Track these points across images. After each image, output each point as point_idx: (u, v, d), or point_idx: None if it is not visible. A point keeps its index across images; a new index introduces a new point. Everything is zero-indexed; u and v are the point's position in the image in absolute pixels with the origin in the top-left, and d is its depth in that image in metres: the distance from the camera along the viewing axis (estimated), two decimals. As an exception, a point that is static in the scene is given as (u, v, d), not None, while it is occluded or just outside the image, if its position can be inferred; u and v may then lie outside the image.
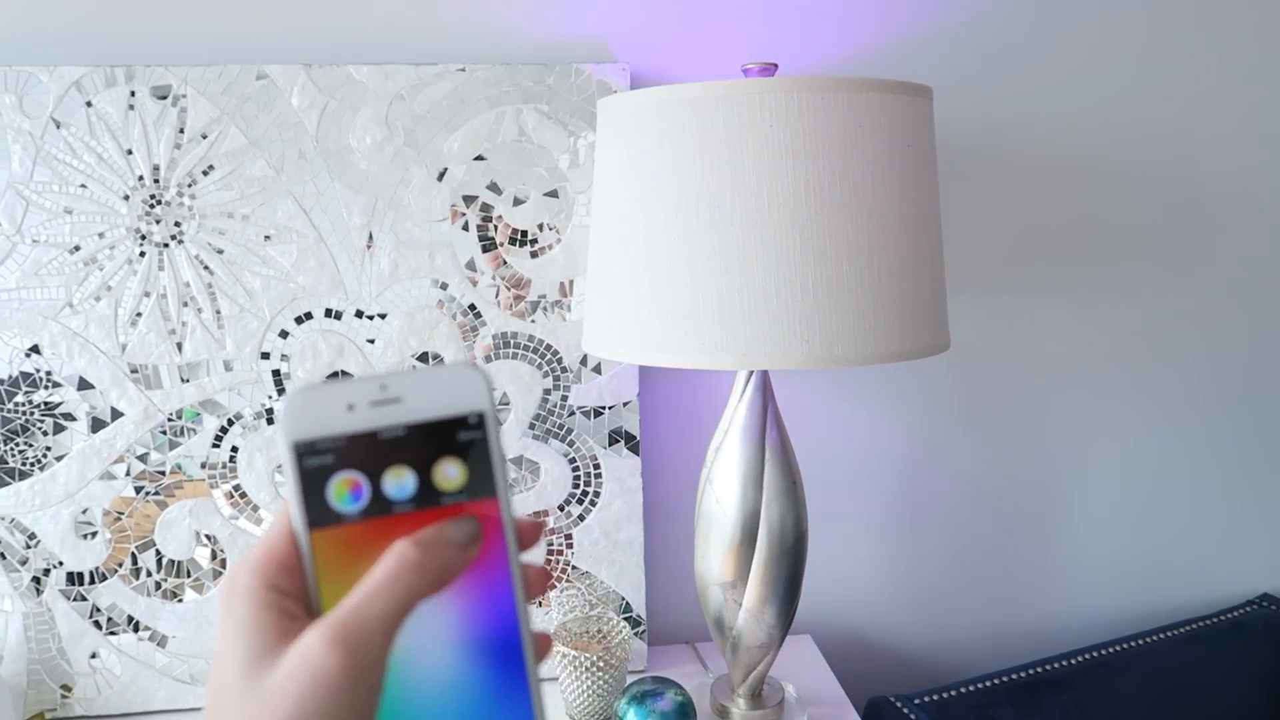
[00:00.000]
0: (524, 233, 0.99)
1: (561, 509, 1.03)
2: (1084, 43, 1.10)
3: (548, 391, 1.01)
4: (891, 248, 0.75)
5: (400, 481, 0.35)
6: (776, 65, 0.85)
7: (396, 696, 0.33)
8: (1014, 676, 1.07)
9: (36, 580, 0.96)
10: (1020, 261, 1.15)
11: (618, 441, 1.03)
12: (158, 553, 0.97)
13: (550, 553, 1.04)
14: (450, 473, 0.35)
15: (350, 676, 0.31)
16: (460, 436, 0.35)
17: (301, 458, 0.34)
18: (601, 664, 0.93)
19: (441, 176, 0.97)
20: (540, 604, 1.04)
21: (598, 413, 1.03)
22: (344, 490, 0.34)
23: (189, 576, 0.98)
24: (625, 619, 1.05)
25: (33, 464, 0.95)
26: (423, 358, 0.99)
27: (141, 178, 0.93)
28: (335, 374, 0.98)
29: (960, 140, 1.10)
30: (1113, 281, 1.18)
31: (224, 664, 0.32)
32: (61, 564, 0.96)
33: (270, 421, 0.98)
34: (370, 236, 0.97)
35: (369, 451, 0.34)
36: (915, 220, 0.77)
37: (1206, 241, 1.19)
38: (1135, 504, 1.24)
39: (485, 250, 0.99)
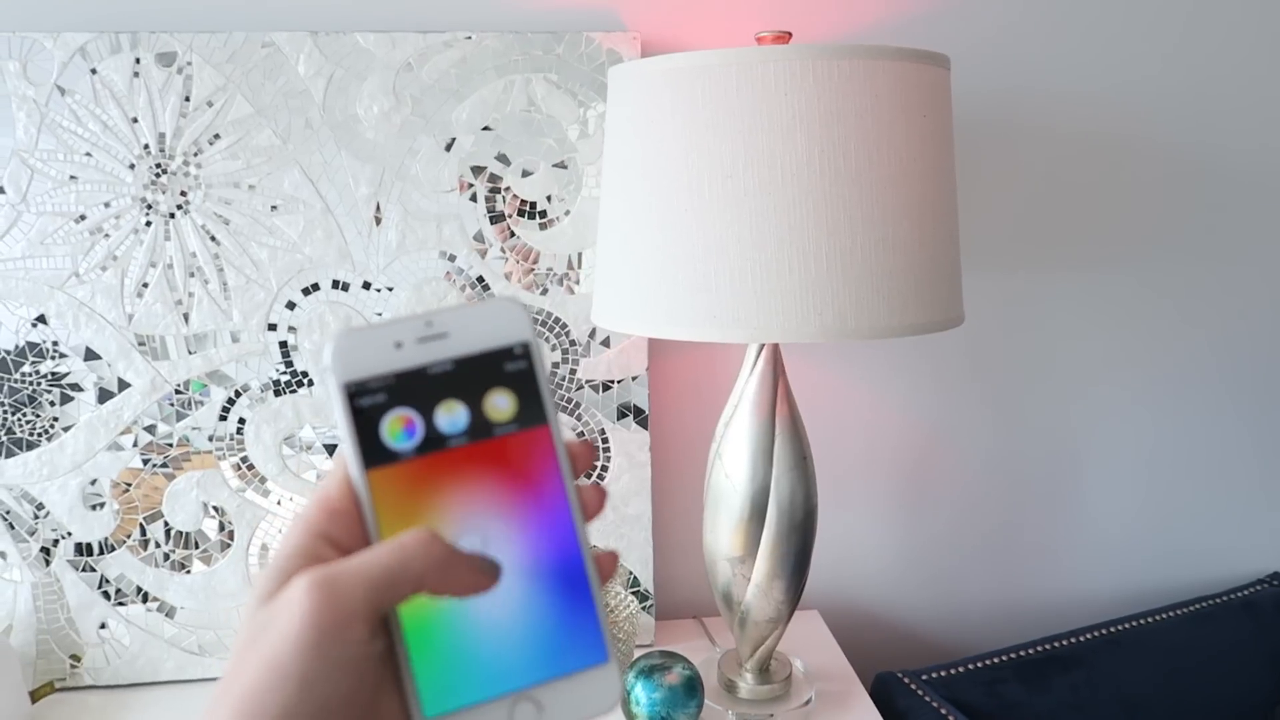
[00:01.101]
0: (532, 204, 0.98)
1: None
2: (1104, 13, 1.08)
3: (556, 365, 1.01)
4: (906, 220, 0.74)
5: (452, 415, 0.35)
6: (790, 33, 0.83)
7: (465, 628, 0.33)
8: (1023, 653, 1.06)
9: (45, 550, 0.96)
10: (1035, 236, 1.14)
11: (626, 415, 1.02)
12: (166, 524, 0.97)
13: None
14: (500, 403, 0.35)
15: (320, 624, 0.30)
16: (507, 367, 0.36)
17: (353, 398, 0.34)
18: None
19: (449, 147, 0.96)
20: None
21: (606, 386, 1.02)
22: (397, 428, 0.34)
23: (197, 548, 0.98)
24: (633, 593, 1.04)
25: (40, 434, 0.95)
26: (430, 330, 0.98)
27: (147, 146, 0.92)
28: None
29: (977, 111, 1.09)
30: (1129, 258, 1.16)
31: (251, 601, 0.33)
32: (70, 535, 0.96)
33: (277, 394, 0.97)
34: (378, 207, 0.96)
35: (419, 388, 0.34)
36: (930, 192, 0.76)
37: (1225, 219, 1.17)
38: (1146, 482, 1.23)
39: (493, 222, 0.98)
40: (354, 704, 0.31)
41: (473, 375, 0.35)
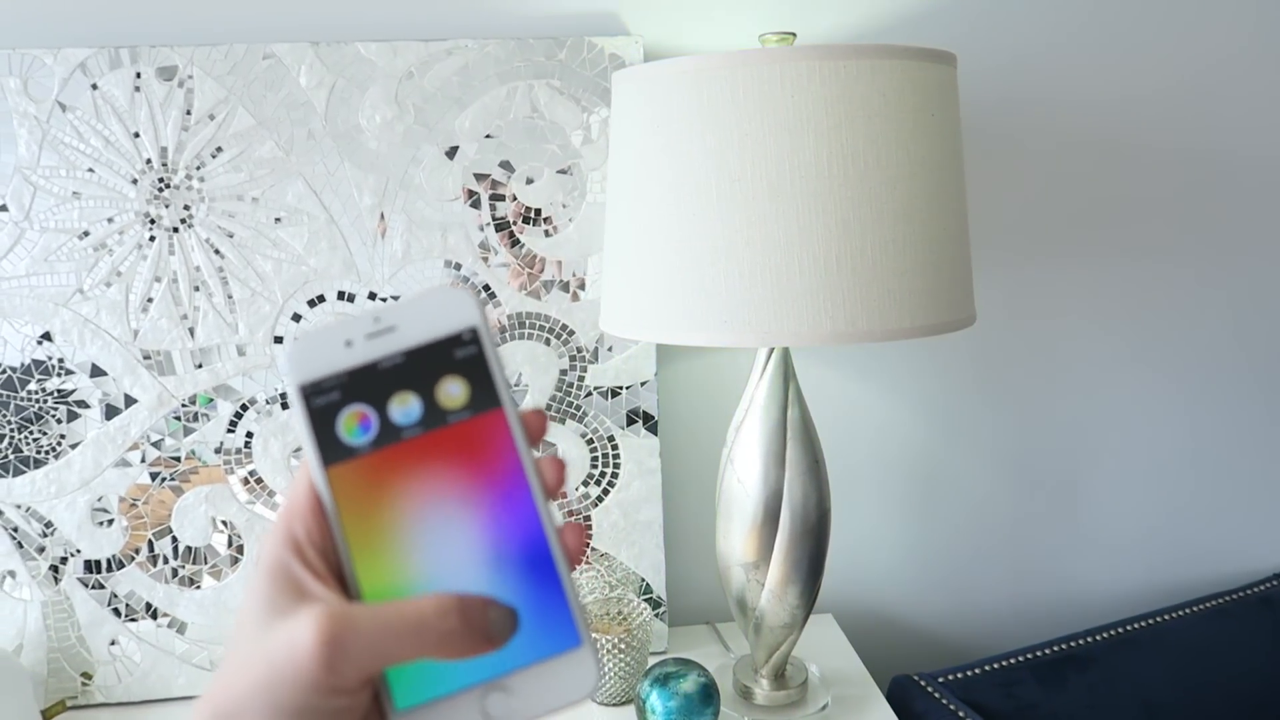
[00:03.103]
0: (537, 211, 0.97)
1: (579, 490, 1.02)
2: (1111, 8, 1.08)
3: (564, 372, 1.00)
4: (916, 220, 0.73)
5: (405, 407, 0.35)
6: (794, 34, 0.83)
7: None
8: (1039, 653, 1.05)
9: (54, 568, 0.96)
10: (1045, 234, 1.13)
11: (635, 421, 1.02)
12: (174, 540, 0.97)
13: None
14: (453, 391, 0.35)
15: (321, 679, 0.30)
16: (457, 354, 0.36)
17: (309, 399, 0.35)
18: (623, 646, 0.92)
19: (453, 155, 0.95)
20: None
21: (615, 393, 1.01)
22: (353, 423, 0.35)
23: (206, 563, 0.98)
24: (645, 600, 1.04)
25: (47, 452, 0.94)
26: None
27: (149, 161, 0.92)
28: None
29: (984, 108, 1.08)
30: (1139, 255, 1.15)
31: (240, 615, 0.33)
32: (79, 552, 0.95)
33: (285, 407, 0.97)
34: (382, 217, 0.95)
35: (372, 383, 0.35)
36: (940, 191, 0.75)
37: (1234, 212, 1.16)
38: (1161, 478, 1.22)
39: (498, 230, 0.97)
40: None
41: (423, 366, 0.35)
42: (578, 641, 0.34)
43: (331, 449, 0.34)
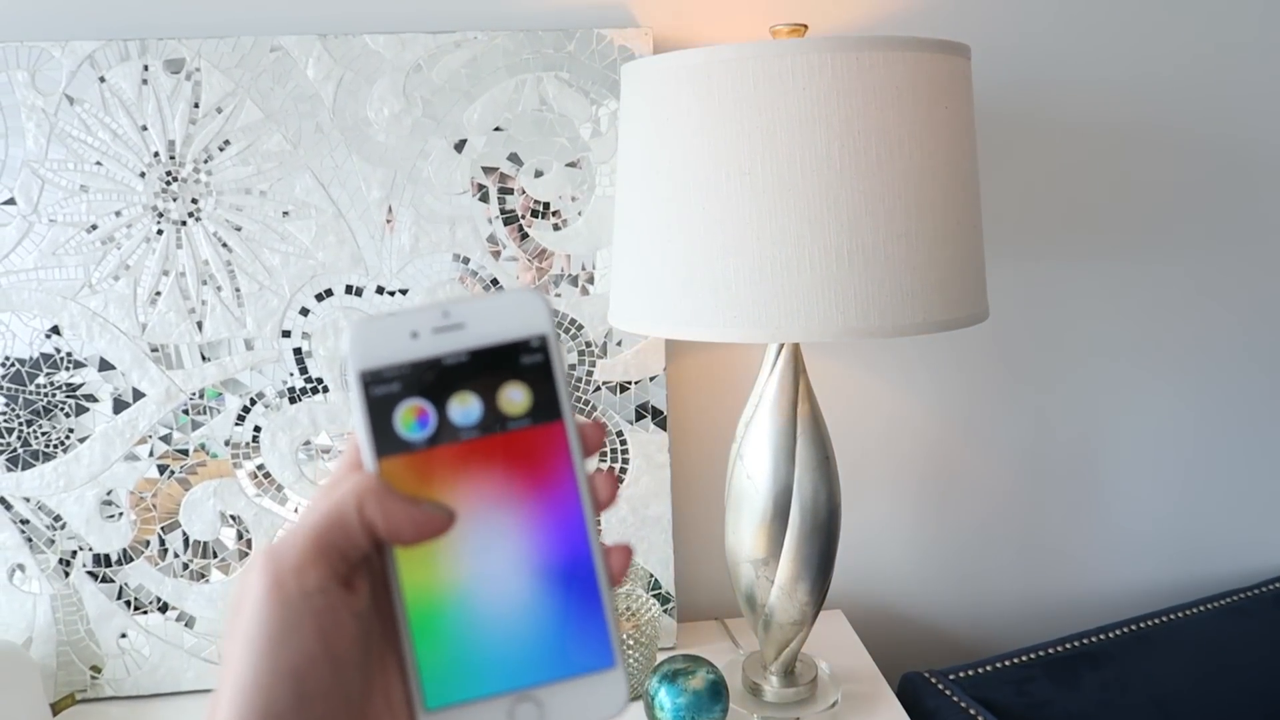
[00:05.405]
0: (546, 205, 0.97)
1: (588, 485, 1.01)
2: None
3: (572, 366, 0.99)
4: (929, 214, 0.73)
5: (465, 407, 0.35)
6: (806, 25, 0.82)
7: (470, 622, 0.34)
8: (1051, 650, 1.05)
9: (64, 562, 0.96)
10: (1059, 227, 1.12)
11: (644, 416, 1.01)
12: (183, 533, 0.97)
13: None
14: (515, 397, 0.35)
15: (270, 577, 0.31)
16: (523, 360, 0.35)
17: (368, 387, 0.34)
18: (631, 642, 0.92)
19: (461, 148, 0.95)
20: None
21: (624, 387, 1.01)
22: (410, 418, 0.34)
23: (215, 557, 0.98)
24: (654, 596, 1.03)
25: (56, 446, 0.94)
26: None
27: (157, 154, 0.91)
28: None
29: (998, 101, 1.07)
30: (1154, 247, 1.14)
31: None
32: (90, 547, 0.96)
33: (293, 400, 0.96)
34: (390, 210, 0.95)
35: (434, 378, 0.34)
36: (953, 185, 0.74)
37: (1250, 205, 1.15)
38: (1176, 473, 1.21)
39: (507, 223, 0.97)
40: (333, 677, 0.31)
41: (488, 367, 0.35)
42: (612, 662, 0.34)
43: (386, 440, 0.34)
